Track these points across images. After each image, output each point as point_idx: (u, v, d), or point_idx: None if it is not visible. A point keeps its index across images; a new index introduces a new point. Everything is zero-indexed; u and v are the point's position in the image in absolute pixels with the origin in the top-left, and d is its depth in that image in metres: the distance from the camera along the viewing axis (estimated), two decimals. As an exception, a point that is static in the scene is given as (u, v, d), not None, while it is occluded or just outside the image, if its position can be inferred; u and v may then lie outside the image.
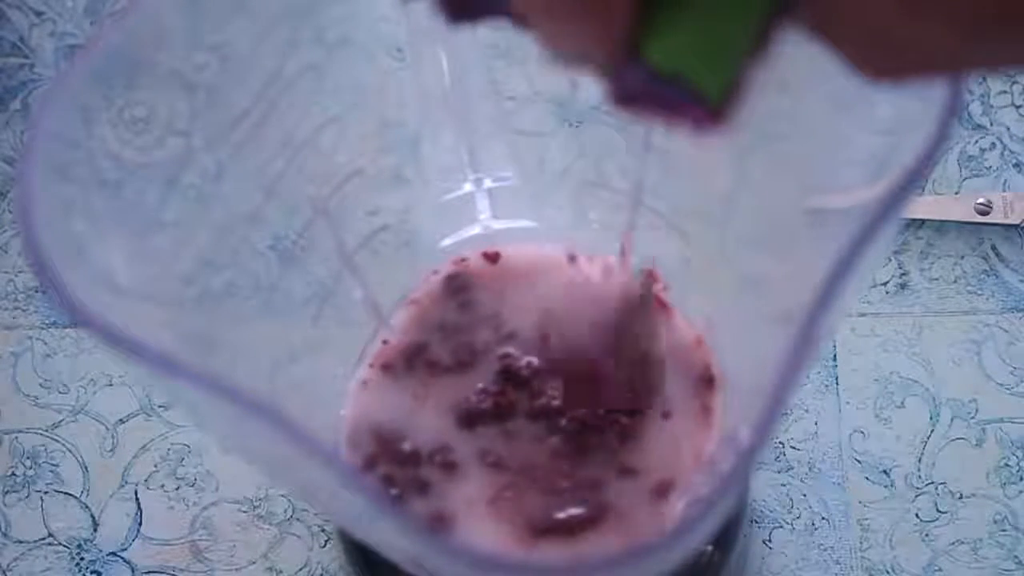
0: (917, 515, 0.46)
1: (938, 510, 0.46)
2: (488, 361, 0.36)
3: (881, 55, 0.19)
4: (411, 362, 0.36)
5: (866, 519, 0.46)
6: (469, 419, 0.35)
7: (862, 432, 0.47)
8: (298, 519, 0.46)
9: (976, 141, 0.51)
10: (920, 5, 0.17)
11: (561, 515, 0.34)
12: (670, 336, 0.36)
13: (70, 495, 0.47)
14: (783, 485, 0.46)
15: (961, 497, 0.46)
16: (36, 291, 0.50)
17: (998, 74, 0.50)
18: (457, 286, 0.38)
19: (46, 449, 0.48)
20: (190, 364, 0.22)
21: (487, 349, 0.36)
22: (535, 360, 0.36)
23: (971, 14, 0.17)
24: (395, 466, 0.35)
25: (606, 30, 0.19)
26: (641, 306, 0.37)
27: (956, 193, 0.51)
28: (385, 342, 0.37)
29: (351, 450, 0.35)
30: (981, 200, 0.49)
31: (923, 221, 0.50)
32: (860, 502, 0.46)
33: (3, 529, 0.47)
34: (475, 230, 0.39)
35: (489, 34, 0.34)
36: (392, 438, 0.35)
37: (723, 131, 0.21)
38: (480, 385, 0.36)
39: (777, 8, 0.19)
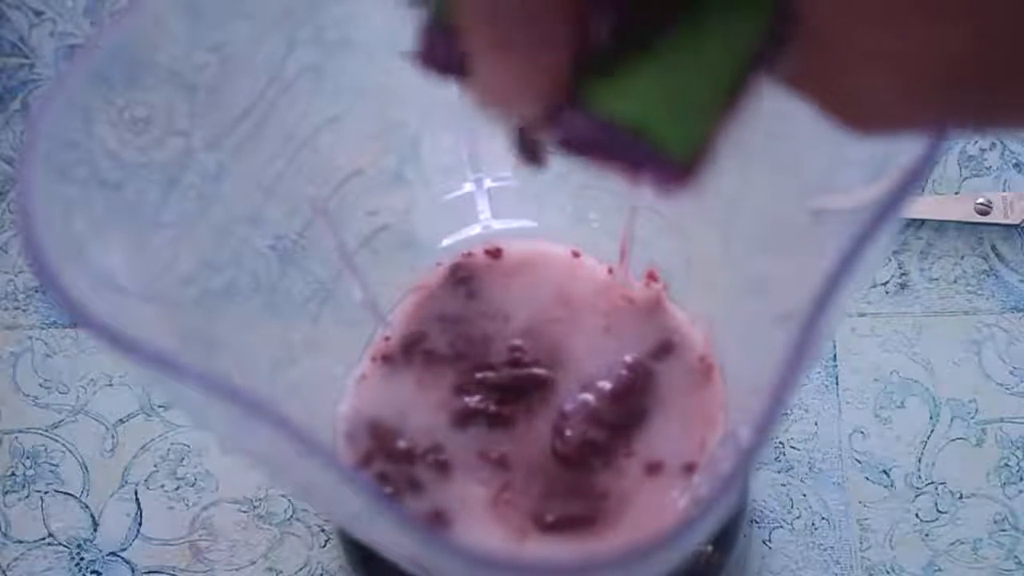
0: (917, 515, 0.46)
1: (938, 510, 0.46)
2: (490, 359, 0.36)
3: (860, 112, 0.19)
4: (409, 353, 0.36)
5: (866, 519, 0.46)
6: (466, 418, 0.35)
7: (862, 432, 0.47)
8: (298, 519, 0.46)
9: (976, 141, 0.51)
10: (901, 70, 0.17)
11: (560, 513, 0.34)
12: (671, 334, 0.36)
13: (70, 495, 0.47)
14: (783, 485, 0.46)
15: (961, 497, 0.46)
16: (36, 291, 0.50)
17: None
18: (461, 276, 0.38)
19: (46, 449, 0.48)
20: (190, 364, 0.22)
21: (488, 346, 0.36)
22: (538, 365, 0.36)
23: (935, 78, 0.17)
24: (390, 463, 0.35)
25: (546, 66, 0.18)
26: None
27: (956, 193, 0.51)
28: (387, 338, 0.37)
29: (348, 446, 0.35)
30: (981, 200, 0.49)
31: (923, 221, 0.50)
32: (860, 502, 0.46)
33: (3, 529, 0.47)
34: (475, 230, 0.39)
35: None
36: (388, 435, 0.35)
37: (689, 190, 0.19)
38: (480, 382, 0.36)
39: (755, 63, 0.18)
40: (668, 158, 0.19)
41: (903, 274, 0.49)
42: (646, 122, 0.18)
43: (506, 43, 0.18)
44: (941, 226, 0.50)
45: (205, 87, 0.28)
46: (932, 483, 0.46)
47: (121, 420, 0.48)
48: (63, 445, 0.48)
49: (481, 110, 0.20)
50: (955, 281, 0.49)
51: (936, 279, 0.49)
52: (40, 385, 0.49)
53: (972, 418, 0.47)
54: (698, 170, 0.19)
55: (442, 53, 0.20)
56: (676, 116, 0.18)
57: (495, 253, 0.38)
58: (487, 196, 0.38)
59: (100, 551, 0.46)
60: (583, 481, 0.34)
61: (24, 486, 0.47)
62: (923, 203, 0.50)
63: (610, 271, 0.38)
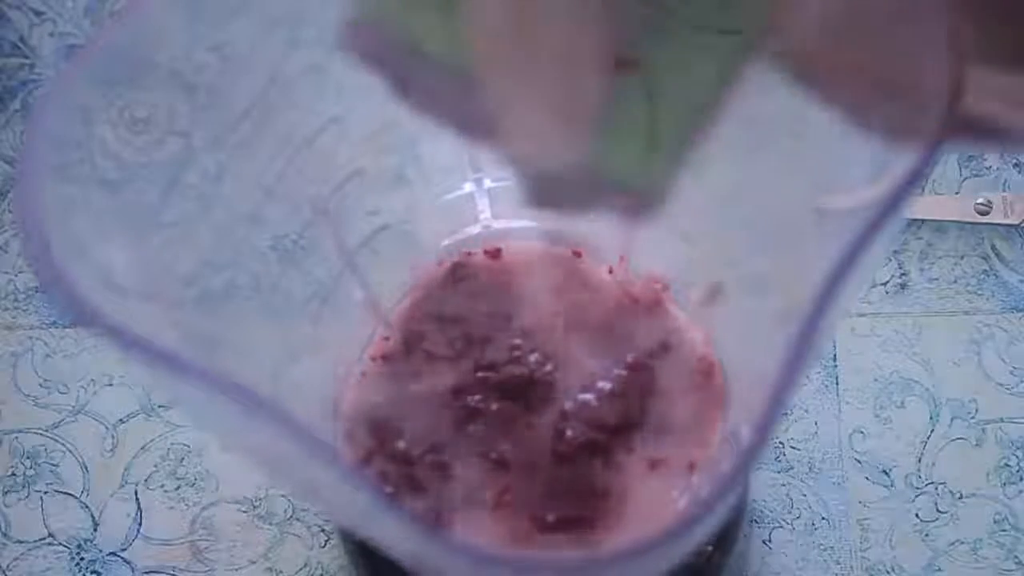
0: (917, 515, 0.46)
1: (938, 510, 0.46)
2: (490, 359, 0.36)
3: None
4: (409, 352, 0.36)
5: (866, 519, 0.46)
6: (466, 418, 0.35)
7: (862, 432, 0.47)
8: (298, 519, 0.46)
9: (976, 141, 0.51)
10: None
11: (561, 513, 0.34)
12: (670, 334, 0.36)
13: (70, 495, 0.47)
14: (783, 485, 0.46)
15: (961, 497, 0.46)
16: (36, 291, 0.50)
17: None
18: (461, 276, 0.38)
19: (46, 449, 0.48)
20: (193, 363, 0.22)
21: (488, 346, 0.36)
22: (539, 365, 0.36)
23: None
24: (390, 463, 0.35)
25: (574, 114, 0.18)
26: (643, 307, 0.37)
27: (956, 193, 0.51)
28: (387, 338, 0.37)
29: (348, 446, 0.35)
30: (981, 200, 0.49)
31: (923, 221, 0.50)
32: (860, 502, 0.46)
33: (3, 529, 0.47)
34: (475, 230, 0.39)
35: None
36: (388, 435, 0.35)
37: (655, 217, 0.21)
38: (480, 382, 0.36)
39: (721, 96, 0.20)
40: (638, 197, 0.21)
41: (903, 274, 0.49)
42: (623, 175, 0.20)
43: (535, 76, 0.17)
44: (941, 226, 0.50)
45: (205, 87, 0.28)
46: (932, 483, 0.46)
47: (121, 420, 0.48)
48: (63, 445, 0.48)
49: (508, 159, 0.20)
50: (955, 281, 0.49)
51: (936, 279, 0.49)
52: (40, 385, 0.49)
53: (972, 418, 0.47)
54: (664, 200, 0.21)
55: (364, 42, 0.20)
56: (653, 168, 0.20)
57: (495, 253, 0.38)
58: (487, 196, 0.38)
59: (100, 551, 0.46)
60: (583, 481, 0.34)
61: (24, 486, 0.47)
62: (923, 203, 0.50)
63: (610, 271, 0.38)
